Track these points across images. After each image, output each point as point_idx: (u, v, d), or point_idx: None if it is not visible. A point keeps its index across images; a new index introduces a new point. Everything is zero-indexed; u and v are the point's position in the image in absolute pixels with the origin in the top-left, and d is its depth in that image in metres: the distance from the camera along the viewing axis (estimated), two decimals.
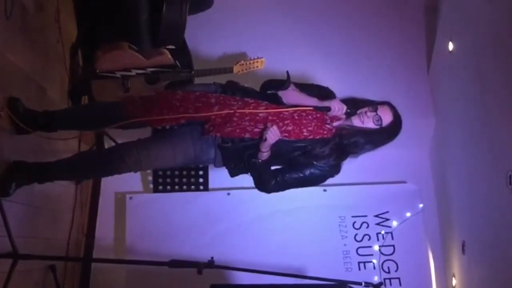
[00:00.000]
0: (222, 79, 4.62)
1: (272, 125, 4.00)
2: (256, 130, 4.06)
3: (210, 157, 4.19)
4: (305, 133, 4.10)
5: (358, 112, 4.16)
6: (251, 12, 6.41)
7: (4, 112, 3.98)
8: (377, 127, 4.12)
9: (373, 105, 4.16)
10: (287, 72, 4.20)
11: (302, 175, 4.17)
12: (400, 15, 6.50)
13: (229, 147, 4.12)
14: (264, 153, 4.05)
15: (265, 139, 3.97)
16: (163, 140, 4.17)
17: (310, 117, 4.11)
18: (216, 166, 4.26)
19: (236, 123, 4.06)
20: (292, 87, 4.20)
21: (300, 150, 4.14)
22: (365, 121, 4.12)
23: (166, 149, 4.12)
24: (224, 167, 4.27)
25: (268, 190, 4.25)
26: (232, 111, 4.07)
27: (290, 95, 4.18)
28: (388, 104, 4.22)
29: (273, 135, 3.98)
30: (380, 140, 4.20)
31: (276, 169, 4.23)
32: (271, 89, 4.23)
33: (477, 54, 5.17)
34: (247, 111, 4.07)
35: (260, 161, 4.08)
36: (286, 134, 4.08)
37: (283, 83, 4.20)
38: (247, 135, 4.08)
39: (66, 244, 5.26)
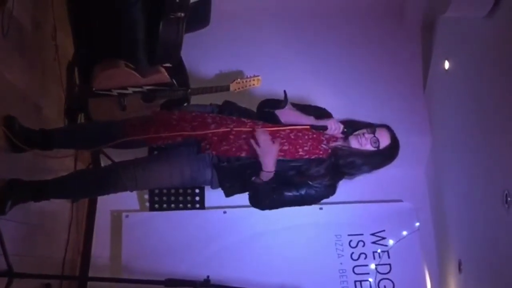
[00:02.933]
0: (218, 97, 4.62)
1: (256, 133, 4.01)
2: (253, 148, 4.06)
3: (207, 178, 4.16)
4: (300, 153, 4.09)
5: (356, 133, 4.15)
6: (248, 31, 6.43)
7: (0, 130, 3.97)
8: (375, 149, 4.10)
9: (371, 127, 4.15)
10: (285, 91, 4.20)
11: (297, 194, 4.13)
12: (396, 34, 6.52)
13: (225, 167, 4.11)
14: (268, 173, 4.03)
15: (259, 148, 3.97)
16: (160, 160, 4.18)
17: (306, 137, 4.10)
18: (213, 187, 4.23)
19: (232, 141, 4.05)
20: (289, 106, 4.20)
21: (295, 170, 4.12)
22: (363, 142, 4.10)
23: (163, 169, 4.12)
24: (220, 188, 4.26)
25: (262, 207, 4.22)
26: (228, 129, 4.08)
27: (287, 114, 4.19)
28: (387, 127, 4.20)
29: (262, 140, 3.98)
30: (377, 162, 4.18)
31: (272, 187, 4.18)
32: (269, 107, 4.24)
33: (473, 73, 5.19)
34: (243, 129, 4.07)
35: (262, 182, 4.06)
36: (282, 154, 4.06)
37: (280, 102, 4.20)
38: (244, 154, 4.07)
39: (61, 262, 5.24)
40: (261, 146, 3.98)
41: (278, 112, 4.20)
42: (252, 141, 3.99)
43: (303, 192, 4.14)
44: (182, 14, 4.95)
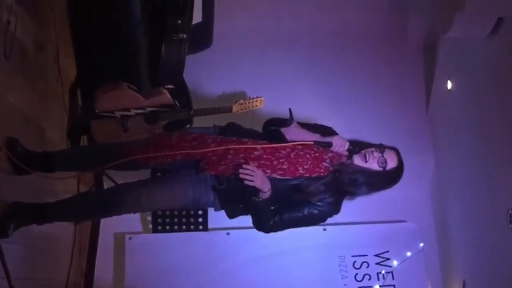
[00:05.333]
0: (221, 118, 4.62)
1: (247, 166, 3.97)
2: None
3: (209, 200, 4.13)
4: (300, 171, 4.05)
5: (363, 151, 4.10)
6: (251, 51, 6.44)
7: (2, 153, 3.97)
8: (381, 169, 4.05)
9: (381, 147, 4.11)
10: (290, 109, 4.20)
11: (300, 214, 4.09)
12: (398, 54, 6.53)
13: (224, 189, 4.09)
14: (266, 193, 4.01)
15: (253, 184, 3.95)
16: (163, 182, 4.17)
17: (308, 155, 4.07)
18: (215, 209, 4.21)
19: (230, 160, 4.03)
20: (295, 124, 4.20)
21: (295, 189, 4.08)
22: (370, 160, 4.04)
23: (166, 191, 4.10)
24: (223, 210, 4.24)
25: (266, 230, 4.19)
26: (226, 147, 4.05)
27: (293, 132, 4.17)
28: (395, 150, 4.15)
29: (256, 177, 3.95)
30: (378, 183, 4.12)
31: (274, 209, 4.13)
32: (274, 125, 4.24)
33: (476, 92, 5.19)
34: (242, 147, 4.05)
35: (261, 199, 4.02)
36: (281, 172, 4.04)
37: (286, 120, 4.20)
38: None
39: (64, 285, 5.22)
40: (255, 180, 3.95)
41: (284, 130, 4.18)
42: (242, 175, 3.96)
43: (305, 212, 4.09)
44: (184, 36, 4.95)
